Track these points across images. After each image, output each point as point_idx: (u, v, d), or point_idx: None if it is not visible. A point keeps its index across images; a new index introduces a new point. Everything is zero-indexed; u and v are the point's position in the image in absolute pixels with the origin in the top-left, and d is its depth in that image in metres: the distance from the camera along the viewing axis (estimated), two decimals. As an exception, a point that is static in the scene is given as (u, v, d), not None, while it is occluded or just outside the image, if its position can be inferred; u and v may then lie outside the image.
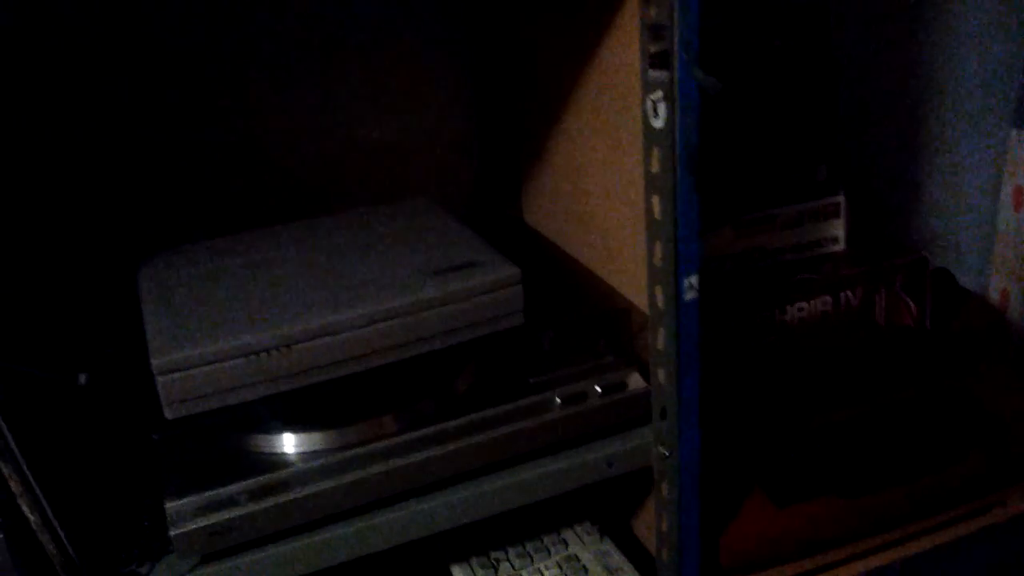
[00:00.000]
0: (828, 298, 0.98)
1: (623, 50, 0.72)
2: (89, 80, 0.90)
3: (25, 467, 0.61)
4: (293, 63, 0.97)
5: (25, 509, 0.62)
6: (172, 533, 0.65)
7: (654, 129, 0.66)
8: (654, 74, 0.64)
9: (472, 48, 1.04)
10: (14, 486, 0.62)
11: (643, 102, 0.66)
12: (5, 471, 0.61)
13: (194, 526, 0.65)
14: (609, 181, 0.81)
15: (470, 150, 1.08)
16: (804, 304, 0.97)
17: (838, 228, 1.03)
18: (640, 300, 0.79)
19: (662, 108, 0.65)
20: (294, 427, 0.71)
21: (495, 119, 1.07)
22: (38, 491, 0.62)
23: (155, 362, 0.63)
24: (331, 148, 1.01)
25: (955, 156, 1.31)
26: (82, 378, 0.66)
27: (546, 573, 0.82)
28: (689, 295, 0.72)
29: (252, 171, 0.99)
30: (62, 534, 0.64)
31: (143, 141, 0.93)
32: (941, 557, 0.92)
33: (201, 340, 0.65)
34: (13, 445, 0.61)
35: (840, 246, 1.04)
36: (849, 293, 0.99)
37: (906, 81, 1.24)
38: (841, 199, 1.03)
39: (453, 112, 1.06)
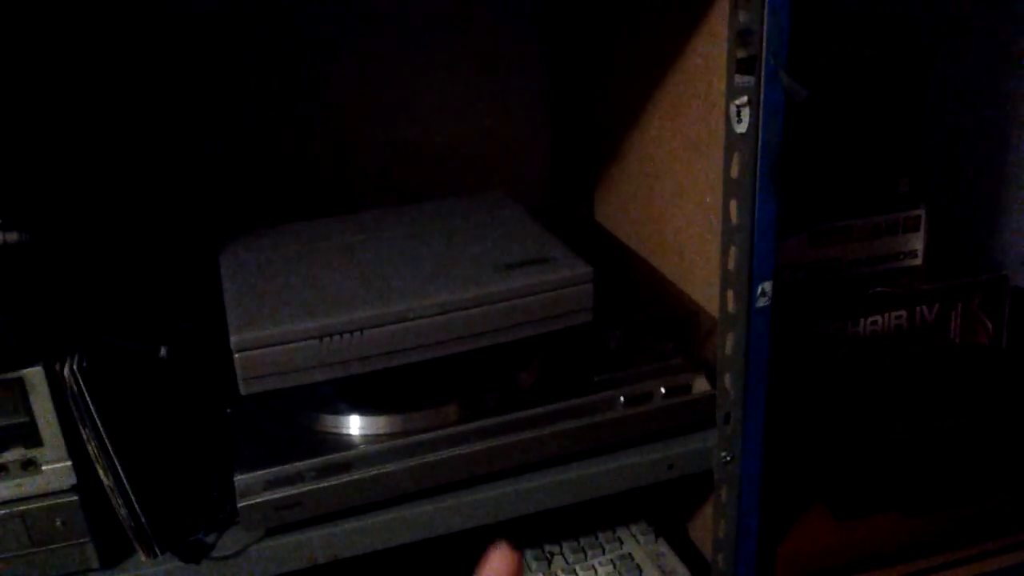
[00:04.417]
0: (903, 313, 0.96)
1: (709, 53, 0.71)
2: (180, 61, 0.92)
3: (104, 432, 0.64)
4: (375, 56, 0.98)
5: (101, 473, 0.65)
6: (240, 505, 0.67)
7: (737, 134, 0.66)
8: (740, 79, 0.64)
9: (550, 44, 1.04)
10: (92, 450, 0.64)
11: (727, 107, 0.66)
12: (84, 435, 0.64)
13: (261, 499, 0.67)
14: (685, 183, 0.80)
15: (545, 147, 1.08)
16: (878, 318, 0.96)
17: (917, 242, 1.01)
18: (709, 304, 0.78)
19: (746, 113, 0.64)
20: (361, 410, 0.72)
21: (571, 116, 1.07)
22: (114, 456, 0.64)
23: (234, 339, 0.64)
24: (408, 140, 1.02)
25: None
26: (163, 351, 0.68)
27: (599, 570, 0.82)
28: (761, 302, 0.71)
29: (333, 160, 1.00)
30: (134, 499, 0.66)
31: (231, 127, 0.96)
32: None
33: (279, 320, 0.66)
34: (94, 410, 0.63)
35: (918, 260, 1.02)
36: (924, 309, 0.97)
37: (995, 95, 1.21)
38: (922, 212, 1.00)
39: (529, 108, 1.06)
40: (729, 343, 0.74)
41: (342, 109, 0.99)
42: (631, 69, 0.89)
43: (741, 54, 0.63)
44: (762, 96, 0.63)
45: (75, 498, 0.65)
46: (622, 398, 0.76)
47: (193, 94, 0.94)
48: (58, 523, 0.65)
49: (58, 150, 0.91)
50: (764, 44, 0.62)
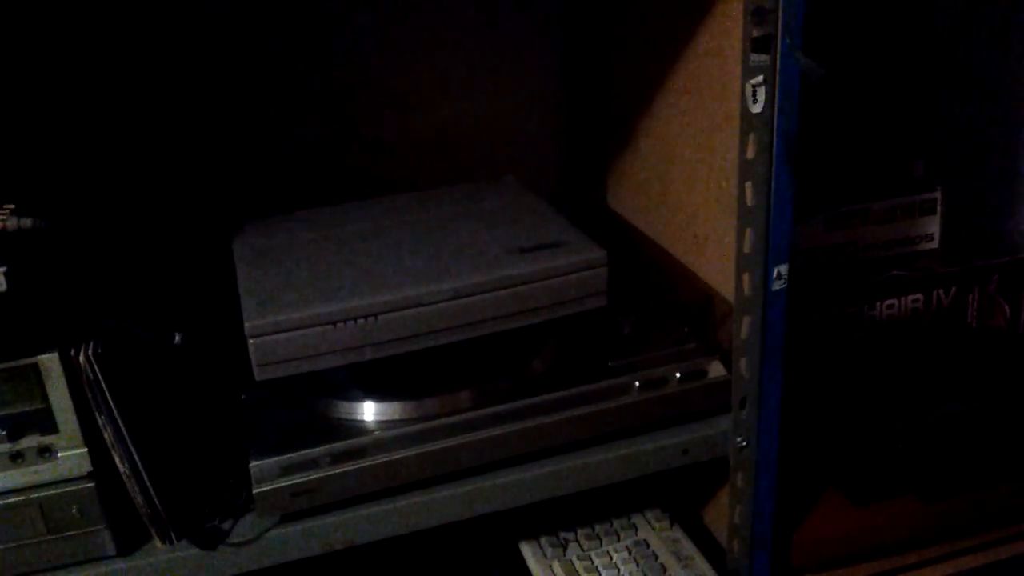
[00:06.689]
0: (919, 296, 0.95)
1: (723, 34, 0.71)
2: (194, 47, 0.92)
3: (119, 419, 0.64)
4: (387, 43, 0.98)
5: (116, 459, 0.65)
6: (255, 491, 0.67)
7: (752, 114, 0.65)
8: (755, 58, 0.63)
9: (562, 29, 1.04)
10: (108, 436, 0.64)
11: (742, 87, 0.65)
12: (100, 421, 0.64)
13: (276, 486, 0.67)
14: (698, 166, 0.80)
15: (557, 133, 1.08)
16: (894, 301, 0.95)
17: (933, 225, 1.00)
18: (724, 288, 0.78)
19: (762, 93, 0.64)
20: (375, 396, 0.72)
21: (583, 103, 1.07)
22: (130, 443, 0.64)
23: (248, 325, 0.64)
24: (421, 127, 1.02)
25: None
26: (178, 337, 0.68)
27: (615, 556, 0.82)
28: (777, 285, 0.71)
29: (345, 146, 1.00)
30: (150, 486, 0.66)
31: (245, 113, 0.96)
32: (1019, 567, 0.89)
33: (293, 306, 0.66)
34: (110, 397, 0.63)
35: (934, 243, 1.01)
36: (941, 292, 0.96)
37: (1012, 76, 1.19)
38: (938, 195, 1.00)
39: (541, 94, 1.06)
40: (745, 327, 0.73)
41: (355, 96, 0.99)
42: (643, 54, 0.89)
43: (756, 33, 0.62)
44: (778, 75, 0.63)
45: (91, 485, 0.65)
46: (637, 383, 0.75)
47: (207, 81, 0.94)
48: (74, 510, 0.65)
49: (73, 137, 0.91)
50: (780, 22, 0.61)
